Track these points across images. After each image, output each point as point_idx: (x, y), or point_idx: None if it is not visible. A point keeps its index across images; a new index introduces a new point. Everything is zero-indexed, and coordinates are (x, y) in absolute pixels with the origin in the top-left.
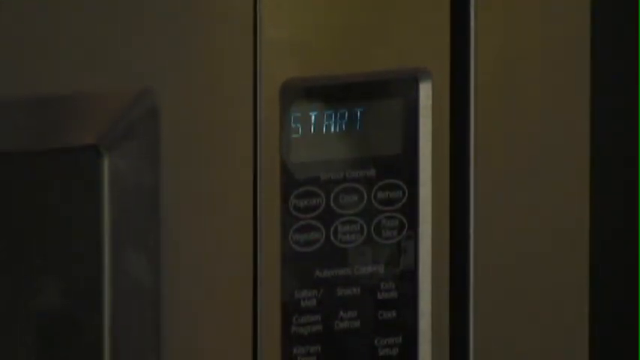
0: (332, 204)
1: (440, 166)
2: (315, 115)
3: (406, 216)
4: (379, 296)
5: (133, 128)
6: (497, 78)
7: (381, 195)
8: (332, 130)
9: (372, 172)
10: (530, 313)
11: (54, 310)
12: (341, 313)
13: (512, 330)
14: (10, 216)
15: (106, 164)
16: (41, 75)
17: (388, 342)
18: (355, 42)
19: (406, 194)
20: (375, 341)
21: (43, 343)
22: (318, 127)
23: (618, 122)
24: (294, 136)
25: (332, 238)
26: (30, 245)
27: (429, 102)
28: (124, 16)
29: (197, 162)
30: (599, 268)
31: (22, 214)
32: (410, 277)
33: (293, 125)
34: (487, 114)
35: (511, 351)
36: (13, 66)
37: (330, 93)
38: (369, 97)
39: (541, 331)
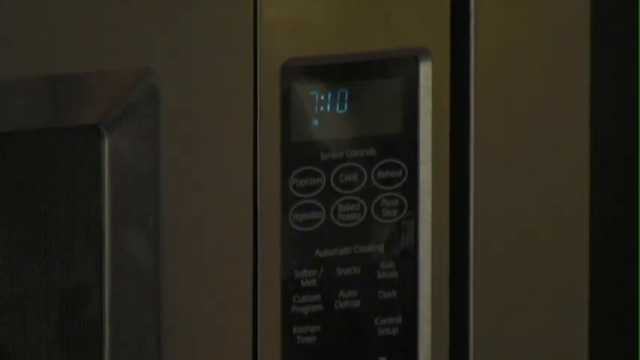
0: (332, 183)
1: (440, 145)
2: (315, 95)
3: (406, 195)
4: (379, 276)
5: (133, 109)
6: (498, 58)
7: (381, 174)
8: (332, 109)
9: (372, 152)
10: (530, 293)
11: (54, 290)
12: (341, 292)
13: (512, 310)
14: (10, 195)
15: (106, 144)
16: (41, 55)
17: (388, 322)
18: (355, 21)
19: (406, 174)
20: (375, 321)
21: (41, 322)
22: (318, 106)
23: (618, 99)
24: (295, 115)
25: (332, 217)
26: (31, 224)
27: (430, 81)
28: None
29: (197, 142)
30: (598, 243)
31: (23, 194)
32: (410, 256)
33: (293, 105)
34: (487, 93)
35: (511, 331)
36: (13, 46)
37: (331, 72)
38: (370, 77)
39: (541, 311)
